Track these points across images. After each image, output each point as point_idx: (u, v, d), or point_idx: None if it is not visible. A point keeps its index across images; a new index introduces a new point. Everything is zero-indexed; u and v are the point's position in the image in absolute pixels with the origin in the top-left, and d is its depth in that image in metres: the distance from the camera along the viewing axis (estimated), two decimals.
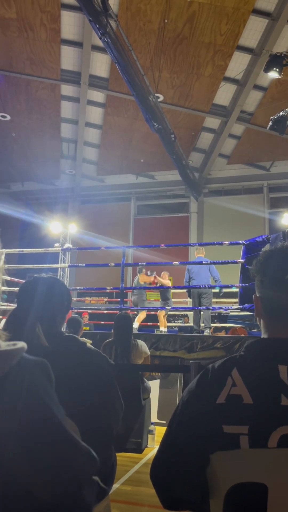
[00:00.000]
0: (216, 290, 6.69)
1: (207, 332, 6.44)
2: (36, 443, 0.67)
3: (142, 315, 7.09)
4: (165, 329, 7.19)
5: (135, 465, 3.26)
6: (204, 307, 6.46)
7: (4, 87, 11.57)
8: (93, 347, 1.52)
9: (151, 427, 3.92)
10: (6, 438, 0.64)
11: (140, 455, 3.56)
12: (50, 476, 0.68)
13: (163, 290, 7.28)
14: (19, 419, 0.65)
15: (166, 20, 9.36)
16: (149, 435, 3.83)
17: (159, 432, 4.00)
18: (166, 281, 7.29)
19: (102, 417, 1.42)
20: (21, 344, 0.70)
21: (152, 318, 8.64)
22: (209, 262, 6.30)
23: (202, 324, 6.60)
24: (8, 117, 12.67)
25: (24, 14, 9.49)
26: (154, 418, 4.48)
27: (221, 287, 6.41)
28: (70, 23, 10.00)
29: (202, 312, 6.68)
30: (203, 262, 6.42)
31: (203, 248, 7.03)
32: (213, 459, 0.85)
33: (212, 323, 10.11)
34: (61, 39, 10.25)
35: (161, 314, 7.29)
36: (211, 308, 6.56)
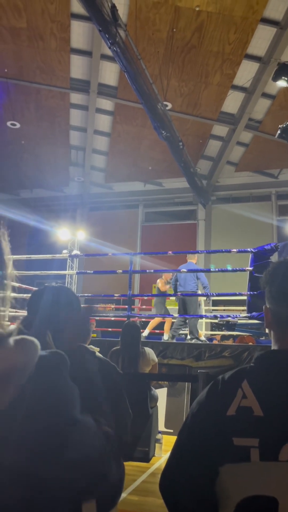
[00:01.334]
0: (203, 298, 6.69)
1: (194, 341, 6.39)
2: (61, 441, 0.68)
3: (154, 322, 7.05)
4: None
5: (142, 475, 3.23)
6: (190, 315, 6.46)
7: (14, 96, 11.71)
8: (102, 356, 1.52)
9: (159, 436, 3.89)
10: (32, 438, 0.64)
11: (147, 465, 3.53)
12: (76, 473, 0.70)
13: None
14: (44, 416, 0.66)
15: (174, 29, 9.44)
16: (157, 444, 3.81)
17: (167, 441, 3.97)
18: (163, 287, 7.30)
19: (112, 428, 1.42)
20: (34, 345, 0.70)
21: (160, 325, 8.63)
22: (200, 269, 6.34)
23: (189, 336, 6.54)
24: (18, 125, 12.80)
25: (34, 24, 9.62)
26: (161, 426, 4.45)
27: (206, 295, 6.43)
28: (80, 33, 10.12)
29: (187, 320, 6.67)
30: (192, 268, 6.44)
31: (195, 255, 7.07)
32: (222, 471, 0.84)
33: (219, 331, 10.08)
34: (70, 48, 10.37)
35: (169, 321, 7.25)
36: (197, 316, 6.54)
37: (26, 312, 1.47)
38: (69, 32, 9.90)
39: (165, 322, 7.24)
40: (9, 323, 0.71)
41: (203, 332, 8.72)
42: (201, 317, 6.33)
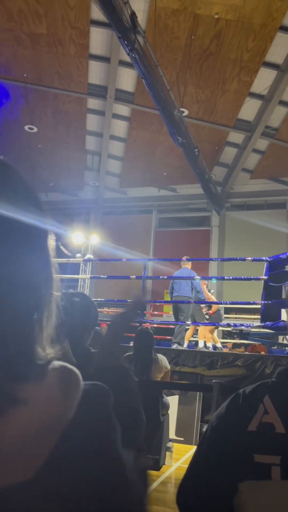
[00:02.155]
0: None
1: (175, 347, 6.34)
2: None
3: (190, 331, 6.99)
4: (218, 345, 7.02)
5: (153, 483, 3.21)
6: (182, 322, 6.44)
7: (32, 100, 11.86)
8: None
9: (169, 444, 3.86)
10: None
11: (158, 473, 3.51)
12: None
13: None
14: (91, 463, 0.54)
15: (193, 37, 9.46)
16: (167, 453, 3.78)
17: (177, 449, 3.94)
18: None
19: (126, 437, 1.41)
20: (76, 378, 0.58)
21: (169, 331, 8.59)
22: (195, 276, 6.32)
23: (173, 346, 6.49)
24: (35, 129, 12.94)
25: (54, 30, 9.74)
26: (172, 434, 4.43)
27: (205, 303, 6.40)
28: (98, 39, 10.21)
29: (176, 326, 6.65)
30: (186, 274, 6.42)
31: (188, 261, 7.07)
32: (242, 488, 0.83)
33: (231, 338, 10.00)
34: (89, 54, 10.47)
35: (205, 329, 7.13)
36: (210, 324, 6.50)
37: None
38: (88, 38, 10.00)
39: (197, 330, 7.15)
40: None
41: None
42: (214, 325, 6.30)
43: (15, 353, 0.50)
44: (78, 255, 11.88)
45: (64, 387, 0.54)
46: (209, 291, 7.00)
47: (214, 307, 6.78)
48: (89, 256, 11.95)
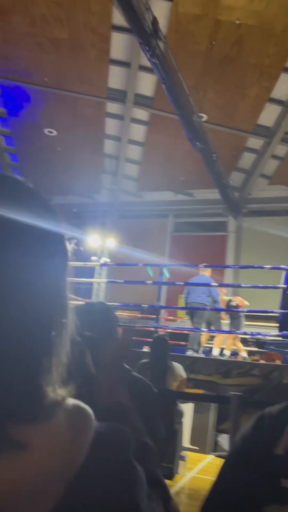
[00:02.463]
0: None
1: (190, 353, 6.28)
2: None
3: (205, 337, 6.94)
4: (242, 354, 6.95)
5: None
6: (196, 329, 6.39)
7: (52, 104, 11.98)
8: (138, 374, 1.51)
9: (183, 453, 3.83)
10: None
11: (171, 482, 3.48)
12: None
13: None
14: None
15: (213, 42, 9.45)
16: (181, 462, 3.75)
17: (191, 458, 3.90)
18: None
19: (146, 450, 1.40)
20: (89, 418, 0.52)
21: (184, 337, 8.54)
22: (212, 283, 6.27)
23: (189, 352, 6.44)
24: (55, 133, 13.07)
25: (75, 35, 9.83)
26: (186, 443, 4.38)
27: (219, 310, 6.34)
28: (119, 44, 10.26)
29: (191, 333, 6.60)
30: (205, 281, 6.37)
31: (210, 268, 7.00)
32: None
33: (246, 346, 9.90)
34: (109, 59, 10.54)
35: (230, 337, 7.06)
36: (227, 332, 6.44)
37: None
38: (109, 43, 10.07)
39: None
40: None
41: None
42: (231, 333, 6.24)
43: (18, 391, 0.45)
44: (93, 258, 11.92)
45: (74, 430, 0.49)
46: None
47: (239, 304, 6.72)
48: (104, 259, 11.98)
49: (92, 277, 11.90)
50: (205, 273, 6.81)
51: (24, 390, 0.46)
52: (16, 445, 0.44)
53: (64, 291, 0.53)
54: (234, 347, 6.92)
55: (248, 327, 10.52)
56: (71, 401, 0.52)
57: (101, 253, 13.06)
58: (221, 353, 6.94)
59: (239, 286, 6.27)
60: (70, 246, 0.57)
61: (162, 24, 8.66)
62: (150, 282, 6.39)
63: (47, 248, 0.51)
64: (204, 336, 7.01)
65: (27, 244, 0.48)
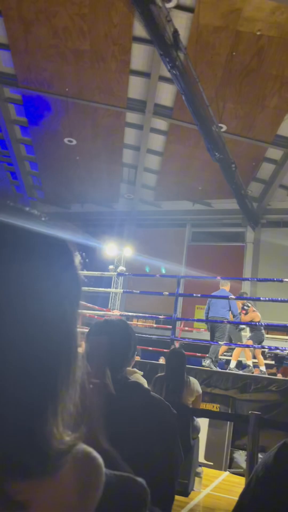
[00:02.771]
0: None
1: (207, 363, 6.17)
2: None
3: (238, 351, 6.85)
4: (262, 368, 6.84)
5: (181, 510, 3.11)
6: (215, 342, 6.31)
7: (73, 114, 12.13)
8: (156, 395, 1.49)
9: (199, 469, 3.76)
10: None
11: (186, 499, 3.41)
12: None
13: None
14: None
15: (234, 53, 9.45)
16: (196, 478, 3.68)
17: (207, 474, 3.83)
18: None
19: (165, 471, 1.37)
20: (100, 468, 0.47)
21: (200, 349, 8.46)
22: (230, 296, 6.19)
23: (207, 361, 6.34)
24: (74, 142, 13.22)
25: (97, 46, 9.97)
26: (201, 458, 4.31)
27: (237, 323, 6.23)
28: (140, 55, 10.36)
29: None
30: (223, 295, 6.30)
31: (228, 282, 6.90)
32: None
33: (264, 359, 9.75)
34: (130, 70, 10.63)
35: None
36: (220, 343, 6.35)
37: (85, 344, 1.46)
38: (130, 54, 10.17)
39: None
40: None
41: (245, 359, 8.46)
42: (248, 347, 6.15)
43: (19, 442, 0.38)
44: (111, 266, 11.95)
45: (82, 484, 0.43)
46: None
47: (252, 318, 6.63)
48: (121, 268, 12.00)
49: (109, 285, 11.92)
50: (225, 288, 6.73)
51: (26, 441, 0.39)
52: (15, 506, 0.37)
53: (75, 318, 0.45)
54: (255, 360, 6.80)
55: (268, 341, 10.38)
56: (80, 448, 0.45)
57: (118, 262, 13.08)
58: (238, 366, 6.84)
59: (258, 299, 6.18)
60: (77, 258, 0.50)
61: (183, 35, 8.71)
62: (167, 293, 6.35)
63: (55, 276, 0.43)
64: (222, 349, 6.92)
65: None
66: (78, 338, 0.45)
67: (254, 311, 6.68)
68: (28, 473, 0.39)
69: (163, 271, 13.56)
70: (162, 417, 1.42)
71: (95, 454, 0.46)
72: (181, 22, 8.90)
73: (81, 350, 0.45)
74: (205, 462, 4.36)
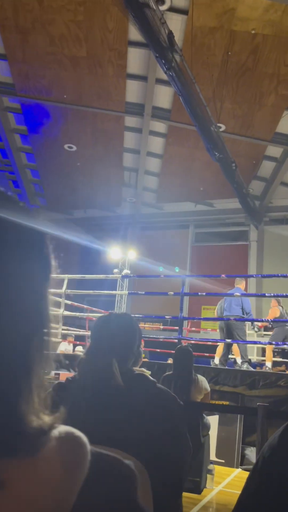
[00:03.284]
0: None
1: (245, 367, 6.17)
2: None
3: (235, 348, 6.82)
4: (268, 363, 6.82)
5: (194, 507, 3.12)
6: (236, 340, 6.28)
7: (72, 120, 12.22)
8: (162, 386, 1.50)
9: (210, 466, 3.76)
10: None
11: (199, 496, 3.42)
12: None
13: None
14: None
15: (229, 53, 9.49)
16: (208, 475, 3.68)
17: (218, 472, 3.83)
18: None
19: (173, 466, 1.38)
20: (83, 444, 0.46)
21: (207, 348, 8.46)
22: (243, 294, 6.17)
23: (244, 365, 6.31)
24: (75, 148, 13.30)
25: (93, 52, 10.05)
26: (212, 456, 4.31)
27: (253, 320, 6.17)
28: (136, 59, 10.43)
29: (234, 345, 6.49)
30: (236, 293, 6.28)
31: (243, 280, 6.88)
32: None
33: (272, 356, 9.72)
34: (126, 74, 10.70)
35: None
36: (251, 342, 6.32)
37: (90, 338, 1.49)
38: (126, 58, 10.24)
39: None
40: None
41: (254, 357, 8.44)
42: (255, 343, 6.14)
43: None
44: (115, 270, 11.98)
45: (65, 463, 0.43)
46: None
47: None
48: (126, 271, 12.03)
49: (114, 289, 11.95)
50: (240, 286, 6.72)
51: (1, 419, 0.39)
52: None
53: (44, 300, 0.45)
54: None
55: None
56: (62, 428, 0.45)
57: (122, 265, 13.11)
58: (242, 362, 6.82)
59: (263, 296, 6.18)
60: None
61: (178, 37, 8.78)
62: (172, 293, 6.36)
63: (23, 253, 0.43)
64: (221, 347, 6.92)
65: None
66: (48, 321, 0.45)
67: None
68: (6, 452, 0.39)
69: (177, 270, 13.57)
70: (168, 407, 1.44)
71: (79, 433, 0.46)
72: (176, 24, 8.96)
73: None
74: (217, 460, 4.37)
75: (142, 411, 1.33)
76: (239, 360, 6.63)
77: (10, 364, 0.40)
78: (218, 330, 6.99)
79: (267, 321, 6.25)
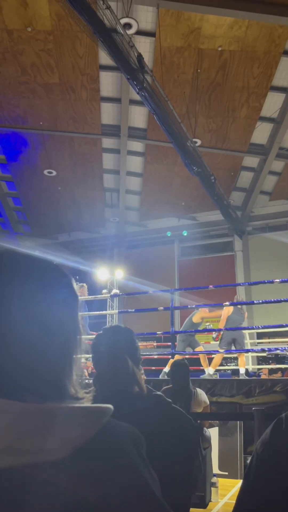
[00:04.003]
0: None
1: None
2: None
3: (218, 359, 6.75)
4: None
5: None
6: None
7: (49, 145, 12.32)
8: (177, 407, 1.49)
9: (214, 479, 3.72)
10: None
11: (205, 511, 3.37)
12: None
13: None
14: (109, 492, 0.54)
15: (199, 70, 9.76)
16: (212, 488, 3.63)
17: (223, 484, 3.78)
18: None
19: (183, 487, 1.37)
20: (108, 406, 0.61)
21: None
22: (244, 302, 6.18)
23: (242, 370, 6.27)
24: (54, 173, 13.37)
25: (66, 78, 10.22)
26: (215, 469, 4.26)
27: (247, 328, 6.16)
28: (108, 82, 10.64)
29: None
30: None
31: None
32: None
33: (266, 364, 9.73)
34: (100, 97, 10.89)
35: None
36: (244, 350, 6.31)
37: (95, 353, 1.49)
38: (98, 82, 10.43)
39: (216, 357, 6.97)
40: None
41: (250, 367, 8.43)
42: (248, 351, 6.15)
43: (41, 376, 0.58)
44: (104, 291, 11.94)
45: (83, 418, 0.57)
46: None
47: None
48: (115, 291, 11.99)
49: (104, 310, 11.88)
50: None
51: (46, 376, 0.59)
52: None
53: (76, 316, 0.67)
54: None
55: (267, 345, 10.34)
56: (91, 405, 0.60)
57: (111, 285, 13.07)
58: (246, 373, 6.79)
59: (252, 303, 6.22)
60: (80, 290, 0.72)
61: (147, 59, 9.00)
62: (162, 308, 6.36)
63: (58, 291, 0.65)
64: (218, 357, 6.88)
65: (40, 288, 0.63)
66: (80, 330, 0.67)
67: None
68: (42, 395, 0.58)
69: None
70: (185, 433, 1.43)
71: (104, 406, 0.60)
72: (144, 46, 9.20)
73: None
74: (220, 472, 4.31)
75: (158, 430, 1.31)
76: (242, 370, 6.55)
77: (59, 354, 0.61)
78: (220, 342, 6.84)
79: (258, 328, 6.27)
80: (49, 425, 0.53)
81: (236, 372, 9.44)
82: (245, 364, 6.98)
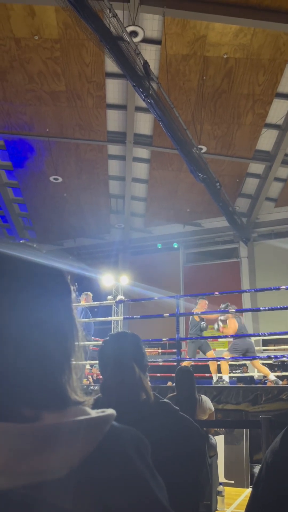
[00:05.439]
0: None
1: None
2: None
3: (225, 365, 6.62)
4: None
5: None
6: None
7: (56, 152, 12.40)
8: (185, 415, 1.49)
9: (220, 488, 3.68)
10: None
11: None
12: None
13: None
14: (112, 504, 0.53)
15: (204, 77, 9.81)
16: (218, 497, 3.60)
17: (229, 493, 3.75)
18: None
19: (191, 495, 1.35)
20: (110, 411, 0.60)
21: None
22: (248, 309, 6.13)
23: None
24: (60, 179, 13.45)
25: (72, 86, 10.31)
26: (221, 477, 4.22)
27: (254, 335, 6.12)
28: (114, 89, 10.72)
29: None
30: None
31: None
32: None
33: (272, 371, 9.66)
34: (106, 104, 10.96)
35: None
36: (250, 358, 6.24)
37: (101, 359, 1.49)
38: (105, 90, 10.51)
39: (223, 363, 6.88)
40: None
41: (256, 374, 8.37)
42: (254, 358, 6.11)
43: (39, 384, 0.55)
44: (109, 297, 11.94)
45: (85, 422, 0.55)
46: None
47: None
48: (120, 297, 11.99)
49: (109, 316, 11.88)
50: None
51: (43, 383, 0.56)
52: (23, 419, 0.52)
53: (72, 314, 0.65)
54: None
55: (273, 352, 10.27)
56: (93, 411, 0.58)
57: (116, 292, 13.08)
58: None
59: (258, 310, 6.19)
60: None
61: (153, 66, 9.07)
62: (167, 314, 6.34)
63: (51, 288, 0.62)
64: (226, 364, 6.80)
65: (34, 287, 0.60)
66: (77, 328, 0.64)
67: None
68: (40, 403, 0.54)
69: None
70: (192, 441, 1.43)
71: (108, 411, 0.59)
72: (150, 54, 9.27)
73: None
74: (226, 481, 4.28)
75: (165, 438, 1.31)
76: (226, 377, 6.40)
77: (57, 356, 0.59)
78: (231, 351, 6.69)
79: (249, 335, 6.20)
80: (47, 445, 0.50)
81: (242, 379, 9.36)
82: (251, 371, 6.94)
